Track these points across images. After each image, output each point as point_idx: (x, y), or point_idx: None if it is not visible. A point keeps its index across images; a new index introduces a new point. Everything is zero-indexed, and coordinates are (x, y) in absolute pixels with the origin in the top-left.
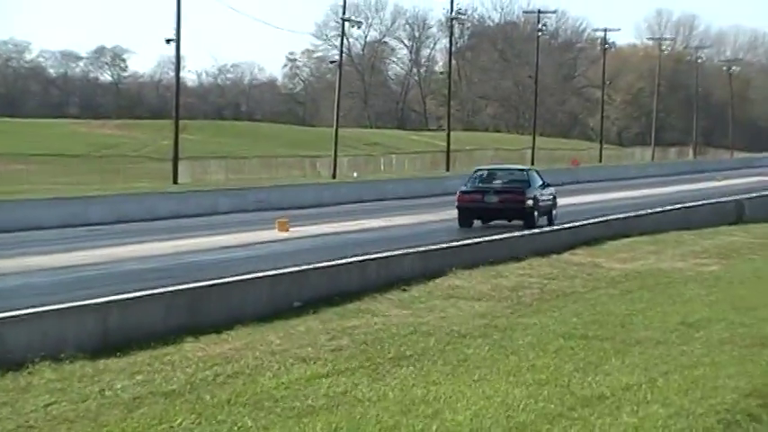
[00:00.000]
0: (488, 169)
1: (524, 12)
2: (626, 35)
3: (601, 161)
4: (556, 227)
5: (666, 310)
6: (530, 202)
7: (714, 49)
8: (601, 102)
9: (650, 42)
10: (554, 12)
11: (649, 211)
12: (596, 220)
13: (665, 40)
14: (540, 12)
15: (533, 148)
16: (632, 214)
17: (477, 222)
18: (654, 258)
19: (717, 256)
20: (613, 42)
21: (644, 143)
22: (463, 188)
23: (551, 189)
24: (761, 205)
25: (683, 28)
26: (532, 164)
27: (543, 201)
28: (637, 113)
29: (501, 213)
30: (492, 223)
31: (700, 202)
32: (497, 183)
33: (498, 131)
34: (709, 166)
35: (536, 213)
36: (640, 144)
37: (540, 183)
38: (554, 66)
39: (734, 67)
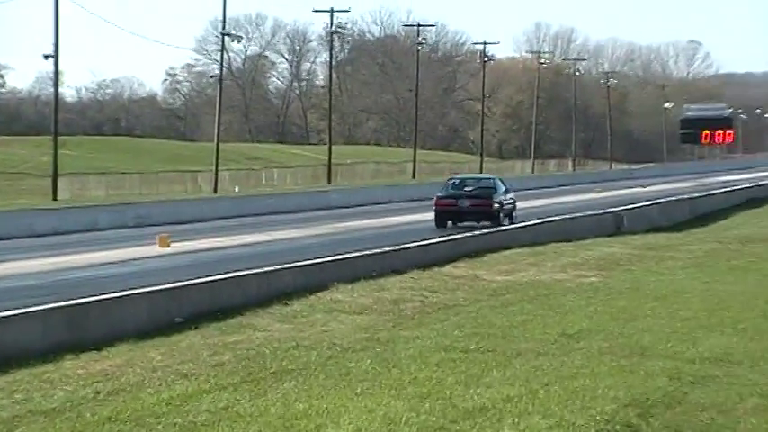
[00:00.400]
0: (460, 178)
1: (404, 25)
2: (505, 48)
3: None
4: (435, 240)
5: (547, 322)
6: (496, 206)
7: (592, 62)
8: (481, 115)
9: (529, 55)
10: (433, 25)
11: (529, 222)
12: (477, 232)
13: (544, 53)
14: (419, 25)
15: (414, 162)
16: (512, 226)
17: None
18: (534, 270)
19: (596, 267)
20: (493, 55)
21: (524, 156)
22: (439, 194)
23: (512, 194)
24: (639, 216)
25: (562, 41)
26: (413, 177)
27: (506, 204)
28: (517, 126)
29: (472, 215)
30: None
31: (579, 214)
32: (468, 189)
33: (379, 145)
34: (589, 178)
35: (501, 215)
36: (520, 157)
37: (504, 189)
38: (434, 79)
39: (611, 80)
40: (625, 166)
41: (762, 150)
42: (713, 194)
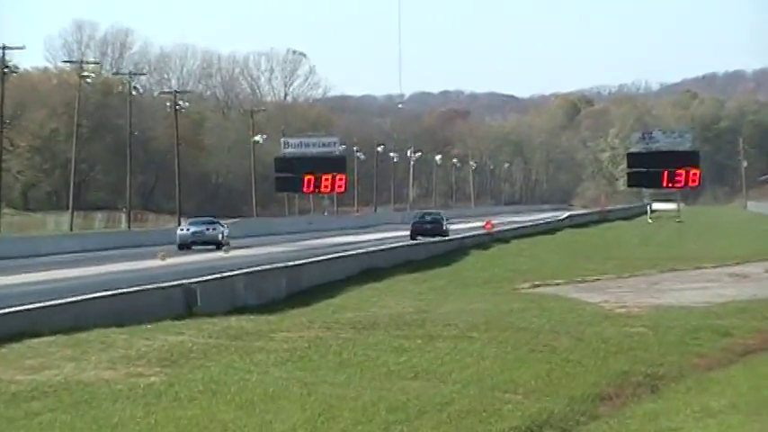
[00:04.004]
0: (423, 212)
1: None
2: (34, 55)
3: None
4: None
5: None
6: (445, 227)
7: (155, 77)
8: None
9: (67, 66)
10: None
11: (67, 300)
12: None
13: (88, 63)
14: None
15: None
16: (39, 304)
17: None
18: (72, 366)
19: (158, 362)
20: (15, 66)
21: (59, 206)
22: (414, 220)
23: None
24: (219, 292)
25: (113, 47)
26: None
27: (446, 226)
28: (49, 165)
29: (431, 232)
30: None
31: (136, 288)
32: (428, 218)
33: None
34: (151, 239)
35: (448, 232)
36: (54, 207)
37: (446, 218)
38: None
39: (182, 102)
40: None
41: (386, 202)
42: (320, 262)
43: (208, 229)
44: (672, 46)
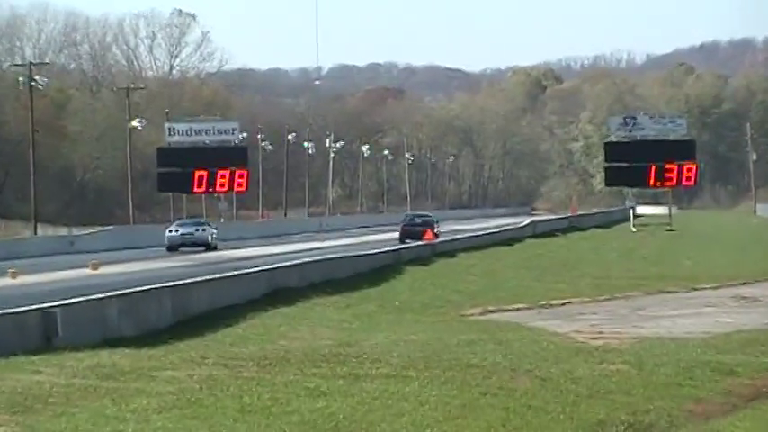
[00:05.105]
0: (413, 214)
1: None
2: None
3: None
4: None
5: None
6: (436, 230)
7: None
8: None
9: None
10: None
11: None
12: None
13: None
14: None
15: None
16: None
17: None
18: None
19: (8, 408)
20: None
21: None
22: (403, 223)
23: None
24: (85, 318)
25: None
26: None
27: (438, 228)
28: None
29: (420, 236)
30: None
31: None
32: (418, 219)
33: None
34: (13, 250)
35: (439, 235)
36: None
37: (436, 220)
38: None
39: (39, 77)
40: (64, 232)
41: (300, 205)
42: (215, 281)
43: (197, 230)
44: (661, 6)
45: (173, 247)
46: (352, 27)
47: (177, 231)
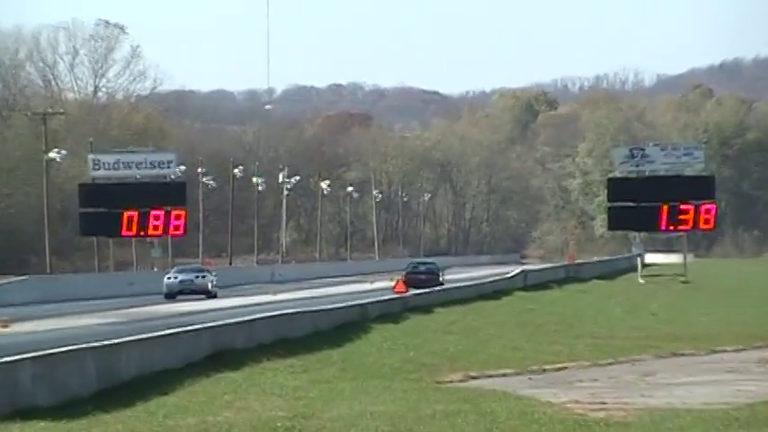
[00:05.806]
0: (417, 261)
1: None
2: None
3: None
4: None
5: None
6: (441, 278)
7: None
8: None
9: None
10: None
11: None
12: None
13: None
14: None
15: None
16: None
17: None
18: None
19: None
20: None
21: None
22: (407, 270)
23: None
24: None
25: None
26: None
27: (442, 275)
28: None
29: (426, 284)
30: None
31: None
32: (423, 267)
33: None
34: None
35: (443, 281)
36: None
37: (440, 268)
38: None
39: None
40: None
41: (248, 252)
42: (147, 341)
43: (197, 277)
44: (674, 19)
45: (171, 295)
46: (309, 42)
47: (176, 278)
